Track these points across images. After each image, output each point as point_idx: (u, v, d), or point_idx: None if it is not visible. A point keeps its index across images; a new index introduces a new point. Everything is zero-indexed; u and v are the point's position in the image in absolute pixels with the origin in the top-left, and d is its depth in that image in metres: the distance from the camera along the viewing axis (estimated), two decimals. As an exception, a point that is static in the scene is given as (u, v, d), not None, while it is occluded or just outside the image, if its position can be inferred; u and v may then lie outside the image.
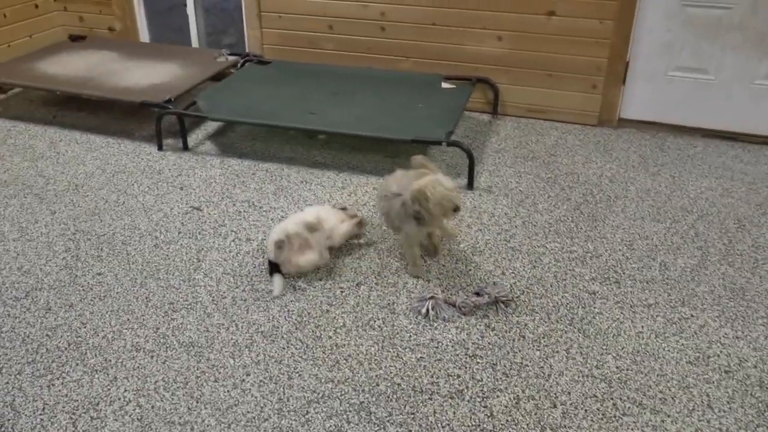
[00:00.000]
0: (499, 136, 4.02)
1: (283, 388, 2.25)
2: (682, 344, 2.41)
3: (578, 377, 2.27)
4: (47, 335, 2.49)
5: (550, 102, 4.20)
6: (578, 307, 2.59)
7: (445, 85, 4.14)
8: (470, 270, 2.81)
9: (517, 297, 2.64)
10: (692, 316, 2.55)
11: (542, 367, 2.32)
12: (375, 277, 2.78)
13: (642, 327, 2.49)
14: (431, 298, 2.57)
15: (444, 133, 3.47)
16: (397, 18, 4.26)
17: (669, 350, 2.38)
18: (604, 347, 2.40)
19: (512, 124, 4.19)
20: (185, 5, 4.83)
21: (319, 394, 2.22)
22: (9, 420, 2.14)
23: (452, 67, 4.29)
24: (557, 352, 2.38)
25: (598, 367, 2.31)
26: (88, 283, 2.76)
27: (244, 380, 2.28)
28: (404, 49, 4.35)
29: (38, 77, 4.23)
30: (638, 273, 2.79)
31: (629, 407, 2.16)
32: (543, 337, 2.44)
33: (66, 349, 2.42)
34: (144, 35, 5.04)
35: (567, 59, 4.04)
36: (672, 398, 2.19)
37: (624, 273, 2.79)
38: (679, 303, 2.61)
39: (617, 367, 2.31)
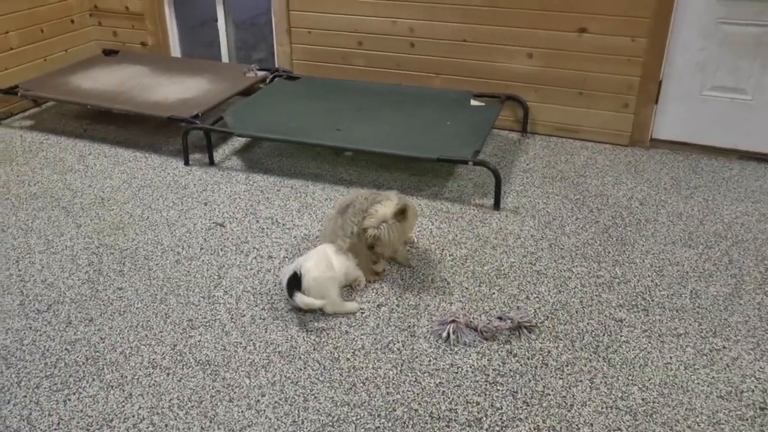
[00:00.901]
0: (528, 155, 3.96)
1: (298, 410, 2.21)
2: (714, 377, 2.31)
3: (602, 408, 2.19)
4: (66, 349, 2.49)
5: (581, 121, 4.12)
6: (604, 335, 2.51)
7: (474, 102, 4.09)
8: (493, 293, 2.75)
9: (540, 322, 2.57)
10: (725, 347, 2.45)
11: (564, 396, 2.24)
12: (396, 299, 2.73)
13: (671, 357, 2.40)
14: (452, 321, 2.52)
15: (471, 152, 3.42)
16: (426, 34, 4.24)
17: (699, 383, 2.29)
18: (630, 378, 2.31)
19: (541, 143, 4.12)
20: (216, 21, 4.87)
21: (334, 417, 2.18)
22: (25, 434, 2.14)
23: (482, 84, 4.25)
24: (581, 381, 2.30)
25: (623, 398, 2.23)
26: (109, 297, 2.77)
27: (258, 401, 2.25)
28: (433, 66, 4.32)
29: (71, 91, 4.29)
30: (668, 301, 2.70)
31: (655, 442, 2.08)
32: (566, 365, 2.37)
33: (84, 363, 2.42)
34: (175, 50, 5.09)
35: (598, 77, 3.96)
36: (700, 434, 2.11)
37: (653, 300, 2.70)
38: (711, 333, 2.52)
39: (643, 399, 2.22)
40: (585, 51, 3.93)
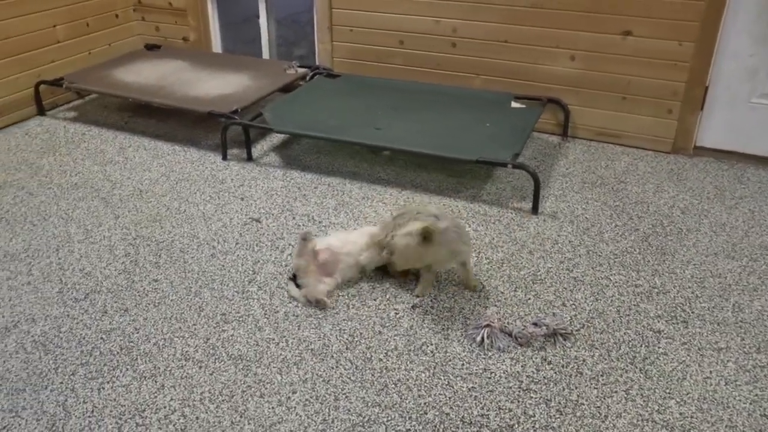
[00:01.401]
0: (568, 160, 3.90)
1: (329, 409, 2.20)
2: (757, 394, 2.24)
3: (637, 421, 2.14)
4: (101, 338, 2.52)
5: (623, 126, 4.05)
6: (641, 346, 2.46)
7: (514, 104, 4.05)
8: (529, 299, 2.71)
9: (576, 330, 2.53)
10: None
11: (599, 407, 2.20)
12: (430, 301, 2.71)
13: (710, 372, 2.34)
14: (487, 326, 2.48)
15: (510, 154, 3.38)
16: (468, 34, 4.20)
17: (740, 400, 2.22)
18: (668, 391, 2.26)
19: (582, 148, 4.06)
20: (258, 17, 4.90)
21: (364, 417, 2.16)
22: (60, 420, 2.17)
23: (523, 86, 4.20)
24: (616, 392, 2.25)
25: (659, 411, 2.18)
26: (144, 288, 2.79)
27: (289, 398, 2.24)
28: (474, 66, 4.28)
29: (113, 84, 4.35)
30: (708, 313, 2.63)
31: (692, 458, 2.02)
32: (602, 375, 2.32)
33: (118, 353, 2.44)
34: (217, 46, 5.13)
35: (642, 82, 3.89)
36: (740, 451, 2.04)
37: (693, 312, 2.64)
38: (754, 349, 2.44)
39: (681, 414, 2.17)
40: (629, 54, 3.85)
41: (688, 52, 3.72)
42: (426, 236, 2.50)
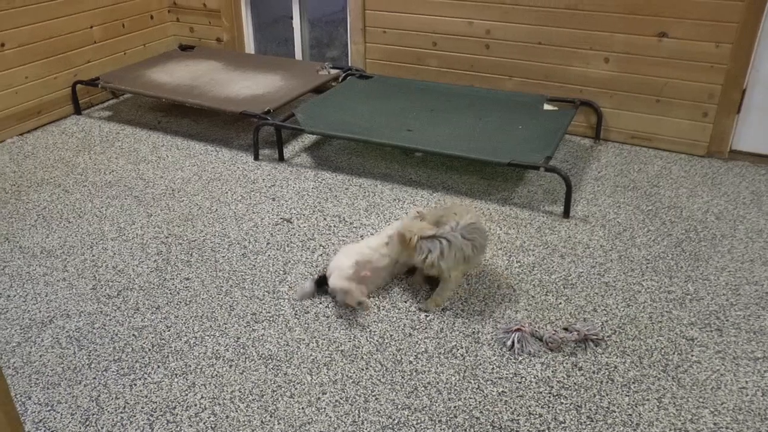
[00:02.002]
0: (600, 163, 3.86)
1: (359, 410, 2.20)
2: (792, 404, 2.20)
3: (670, 430, 2.11)
4: (134, 335, 2.55)
5: (656, 129, 3.99)
6: (674, 353, 2.42)
7: (547, 106, 4.01)
8: (560, 303, 2.68)
9: (607, 336, 2.50)
10: (804, 373, 2.33)
11: (630, 414, 2.17)
12: (462, 304, 2.70)
13: (746, 382, 2.29)
14: (518, 330, 2.47)
15: (542, 157, 3.35)
16: (502, 36, 4.18)
17: (776, 409, 2.18)
18: (701, 400, 2.22)
19: (614, 151, 4.01)
20: (291, 18, 4.92)
21: (394, 420, 2.16)
22: (93, 414, 2.20)
23: (556, 88, 4.17)
24: (648, 399, 2.22)
25: (692, 421, 2.14)
26: (176, 287, 2.82)
27: (319, 398, 2.25)
28: (507, 68, 4.26)
29: (147, 84, 4.41)
30: (744, 322, 2.58)
31: (726, 468, 1.99)
32: (633, 382, 2.29)
33: (150, 350, 2.47)
34: (250, 46, 5.17)
35: (677, 84, 3.83)
36: (776, 463, 2.00)
37: (727, 320, 2.59)
38: (790, 358, 2.40)
39: (715, 424, 2.13)
40: (665, 56, 3.80)
41: (726, 54, 3.65)
42: (402, 241, 2.60)
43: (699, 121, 3.87)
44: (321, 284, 2.74)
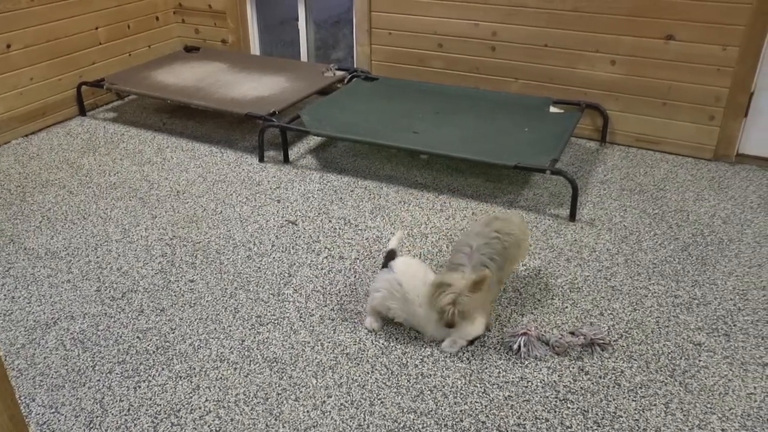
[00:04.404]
0: (606, 166, 3.84)
1: (364, 414, 2.19)
2: (800, 410, 2.18)
3: (678, 435, 2.10)
4: (138, 337, 2.54)
5: (663, 132, 3.98)
6: (681, 358, 2.40)
7: (553, 109, 4.00)
8: (566, 307, 2.67)
9: (614, 341, 2.48)
10: (813, 378, 2.31)
11: (637, 419, 2.15)
12: (465, 306, 2.68)
13: (754, 388, 2.28)
14: (524, 334, 2.45)
15: (548, 160, 3.34)
16: (508, 38, 4.17)
17: (784, 415, 2.16)
18: (709, 406, 2.20)
19: (620, 154, 3.99)
20: (297, 19, 4.92)
21: (400, 424, 2.15)
22: (97, 417, 2.19)
23: (561, 90, 4.15)
24: (655, 405, 2.21)
25: (700, 427, 2.12)
26: (180, 289, 2.82)
27: (324, 402, 2.24)
28: (513, 71, 4.25)
29: (152, 86, 4.41)
30: (752, 327, 2.56)
31: (735, 475, 1.97)
32: (640, 387, 2.28)
33: (154, 352, 2.47)
34: (255, 48, 5.17)
35: (684, 87, 3.81)
36: (785, 470, 1.98)
37: (735, 325, 2.57)
38: (799, 363, 2.38)
39: (723, 430, 2.11)
40: (671, 59, 3.79)
41: (733, 57, 3.64)
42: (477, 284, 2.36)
43: (706, 125, 3.85)
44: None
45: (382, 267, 2.57)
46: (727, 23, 3.59)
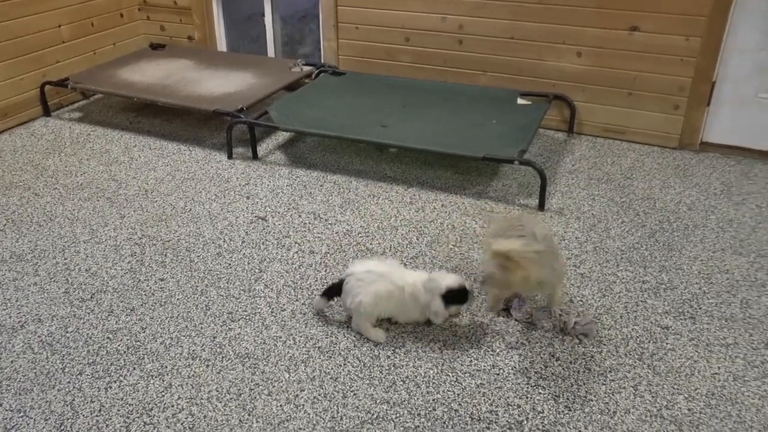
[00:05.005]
0: (574, 156, 3.88)
1: (337, 406, 2.20)
2: (765, 390, 2.23)
3: (646, 417, 2.13)
4: (108, 338, 2.52)
5: (629, 122, 4.03)
6: (649, 342, 2.45)
7: (520, 101, 4.03)
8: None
9: (594, 331, 2.51)
10: (776, 358, 2.37)
11: (607, 402, 2.19)
12: (436, 298, 2.70)
13: (719, 368, 2.32)
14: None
15: (517, 151, 3.37)
16: (475, 31, 4.19)
17: (749, 395, 2.21)
18: (676, 387, 2.25)
19: (588, 144, 4.04)
20: (263, 15, 4.89)
21: (373, 414, 2.16)
22: (68, 419, 2.17)
23: (529, 82, 4.19)
24: (624, 388, 2.25)
25: (668, 407, 2.17)
26: (150, 288, 2.79)
27: (297, 395, 2.24)
28: (481, 63, 4.27)
29: (118, 84, 4.36)
30: (716, 309, 2.61)
31: (702, 454, 2.01)
32: (610, 371, 2.31)
33: (125, 352, 2.44)
34: (222, 44, 5.13)
35: (648, 78, 3.87)
36: (750, 447, 2.03)
37: (700, 308, 2.62)
38: (762, 345, 2.43)
39: (689, 410, 2.16)
40: (636, 50, 3.84)
41: (695, 48, 3.70)
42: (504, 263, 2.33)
43: (670, 114, 3.91)
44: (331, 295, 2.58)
45: (327, 290, 2.55)
46: (689, 14, 3.64)
